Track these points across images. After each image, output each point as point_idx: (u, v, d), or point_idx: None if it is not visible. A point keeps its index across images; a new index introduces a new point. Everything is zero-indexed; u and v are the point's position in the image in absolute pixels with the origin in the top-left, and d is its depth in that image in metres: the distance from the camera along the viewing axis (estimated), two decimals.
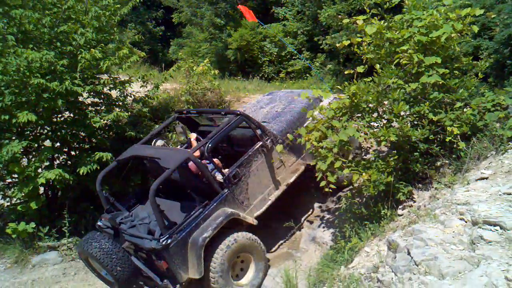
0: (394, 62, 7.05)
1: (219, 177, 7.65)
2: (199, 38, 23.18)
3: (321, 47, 19.63)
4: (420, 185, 6.87)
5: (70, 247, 8.60)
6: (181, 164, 7.16)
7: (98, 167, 8.43)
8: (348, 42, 7.57)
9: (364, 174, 6.66)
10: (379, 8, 7.70)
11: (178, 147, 9.22)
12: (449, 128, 6.39)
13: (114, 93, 9.59)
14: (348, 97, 6.98)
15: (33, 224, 8.32)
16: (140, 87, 10.01)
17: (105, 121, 8.90)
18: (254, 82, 17.95)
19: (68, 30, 8.46)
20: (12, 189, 8.52)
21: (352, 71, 7.59)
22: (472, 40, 14.29)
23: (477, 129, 6.63)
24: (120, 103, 9.58)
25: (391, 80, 6.85)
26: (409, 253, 4.51)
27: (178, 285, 7.04)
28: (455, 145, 6.60)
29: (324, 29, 20.01)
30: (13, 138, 8.19)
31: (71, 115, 8.97)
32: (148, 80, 10.00)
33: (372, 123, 7.08)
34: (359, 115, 7.16)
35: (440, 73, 6.55)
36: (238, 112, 8.01)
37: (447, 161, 6.73)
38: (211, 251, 7.10)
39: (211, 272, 7.09)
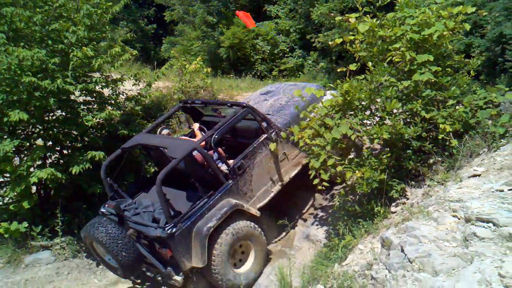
0: (387, 60, 7.07)
1: (223, 168, 7.73)
2: (191, 36, 23.13)
3: (313, 45, 19.65)
4: (413, 183, 6.89)
5: (63, 247, 8.54)
6: (188, 154, 7.23)
7: (91, 166, 8.38)
8: (341, 40, 7.59)
9: (357, 171, 6.67)
10: (372, 6, 7.72)
11: (182, 136, 9.21)
12: (441, 126, 6.42)
13: (106, 92, 9.53)
14: (340, 95, 6.99)
15: (25, 224, 8.27)
16: (133, 85, 9.96)
17: (98, 120, 8.84)
18: (246, 80, 17.93)
19: (59, 28, 8.39)
20: (4, 189, 8.47)
21: (344, 69, 7.60)
22: (464, 38, 14.39)
23: (469, 127, 6.66)
24: (113, 102, 9.52)
25: (383, 78, 6.87)
26: (402, 250, 4.53)
27: (181, 273, 7.09)
28: (447, 143, 6.62)
29: (316, 27, 20.03)
30: (5, 137, 8.12)
31: (63, 113, 8.90)
32: (140, 79, 9.95)
33: (365, 121, 7.10)
34: (352, 113, 7.17)
35: (433, 71, 6.58)
36: (245, 104, 8.08)
37: (439, 159, 6.75)
38: (213, 240, 7.18)
39: (212, 260, 7.18)
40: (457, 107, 6.73)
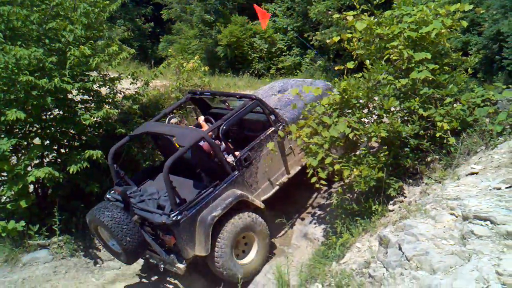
0: (384, 58, 7.07)
1: (230, 159, 7.78)
2: (188, 35, 23.13)
3: (311, 43, 19.66)
4: (410, 181, 6.90)
5: (61, 245, 8.52)
6: (196, 142, 7.30)
7: (88, 165, 8.36)
8: (338, 38, 7.57)
9: (355, 170, 6.67)
10: (369, 4, 7.72)
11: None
12: (439, 124, 6.42)
13: (104, 90, 9.50)
14: (338, 93, 6.99)
15: (23, 223, 8.23)
16: (130, 84, 9.94)
17: (95, 119, 8.81)
18: (244, 79, 17.93)
19: (56, 27, 8.36)
20: (2, 188, 8.42)
21: (342, 67, 7.60)
22: (461, 36, 14.39)
23: (467, 124, 6.66)
24: (110, 100, 9.49)
25: (381, 76, 6.87)
26: (400, 249, 4.53)
27: (183, 261, 7.14)
28: (445, 141, 6.62)
29: (314, 25, 20.04)
30: (2, 136, 8.09)
31: (61, 112, 8.87)
32: (138, 77, 9.94)
33: (362, 119, 7.09)
34: (350, 111, 7.16)
35: (430, 68, 6.57)
36: (254, 97, 8.15)
37: (437, 157, 6.75)
38: (217, 230, 7.24)
39: (215, 251, 7.24)
40: (454, 105, 6.73)
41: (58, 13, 8.62)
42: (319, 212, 8.57)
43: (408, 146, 6.88)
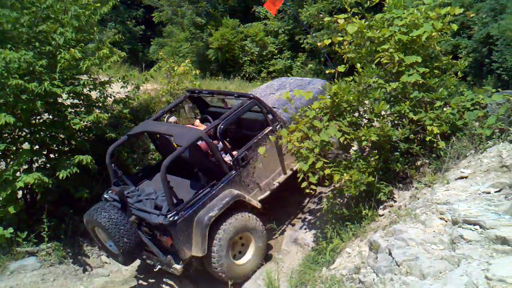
0: (375, 61, 7.08)
1: (227, 158, 7.79)
2: (179, 38, 23.09)
3: (302, 46, 19.68)
4: (400, 185, 6.89)
5: (49, 252, 8.41)
6: (194, 142, 7.29)
7: (78, 171, 8.28)
8: (329, 41, 7.57)
9: (345, 174, 6.65)
10: (360, 7, 7.72)
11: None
12: (429, 128, 6.42)
13: (94, 94, 9.43)
14: (329, 96, 6.98)
15: (11, 229, 8.13)
16: (121, 87, 9.87)
17: (85, 123, 8.74)
18: (235, 82, 17.92)
19: (47, 30, 8.29)
20: None
21: (333, 71, 7.59)
22: (452, 39, 14.45)
23: (456, 128, 6.66)
24: (100, 104, 9.41)
25: (372, 79, 6.86)
26: (390, 254, 4.52)
27: (180, 262, 7.13)
28: (435, 145, 6.62)
29: (305, 28, 20.08)
30: None
31: (50, 116, 8.78)
32: (128, 81, 9.88)
33: (353, 123, 7.08)
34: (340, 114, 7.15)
35: (421, 72, 6.58)
36: (252, 96, 8.17)
37: (427, 161, 6.75)
38: (214, 230, 7.23)
39: (212, 251, 7.24)
40: (444, 108, 6.74)
41: (48, 16, 8.55)
42: (309, 217, 8.55)
43: (398, 150, 6.88)
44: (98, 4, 9.14)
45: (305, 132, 6.94)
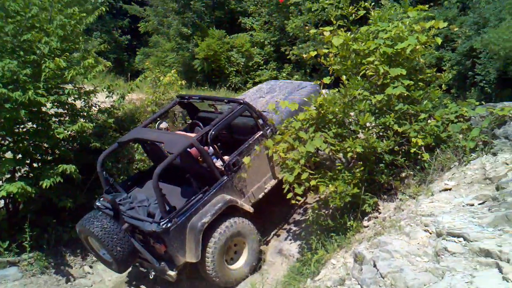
0: (360, 74, 7.12)
1: (218, 163, 7.78)
2: (165, 48, 23.06)
3: (287, 57, 19.76)
4: (385, 196, 6.92)
5: (31, 262, 8.30)
6: (185, 149, 7.29)
7: (62, 180, 8.20)
8: (315, 53, 7.60)
9: (330, 185, 6.66)
10: (346, 20, 7.77)
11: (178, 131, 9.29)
12: (413, 140, 6.47)
13: (79, 104, 9.37)
14: (315, 108, 7.00)
15: None
16: (106, 97, 9.83)
17: (69, 132, 8.68)
18: (221, 92, 17.93)
19: (32, 39, 8.24)
20: None
21: (318, 82, 7.62)
22: (436, 52, 14.60)
23: (441, 140, 6.72)
24: (85, 114, 9.35)
25: (357, 91, 6.89)
26: (375, 265, 4.52)
27: (174, 268, 7.14)
28: (419, 156, 6.66)
29: (291, 40, 20.18)
30: None
31: (34, 126, 8.72)
32: (113, 91, 9.83)
33: (338, 134, 7.10)
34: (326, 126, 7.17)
35: (405, 84, 6.63)
36: (241, 101, 8.17)
37: (411, 172, 6.79)
38: (207, 236, 7.25)
39: (206, 257, 7.26)
40: (429, 121, 6.80)
41: (33, 25, 8.50)
42: (294, 228, 8.53)
43: (383, 161, 6.91)
44: (84, 14, 9.09)
45: (291, 143, 6.95)
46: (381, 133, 7.14)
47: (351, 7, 7.80)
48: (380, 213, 6.69)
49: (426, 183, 6.27)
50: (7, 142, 8.57)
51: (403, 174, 6.92)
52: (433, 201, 5.39)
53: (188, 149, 7.54)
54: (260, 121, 8.24)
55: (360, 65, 7.19)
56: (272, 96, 9.63)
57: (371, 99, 6.86)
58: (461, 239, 4.17)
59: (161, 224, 6.88)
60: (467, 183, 5.50)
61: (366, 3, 7.82)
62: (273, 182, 8.39)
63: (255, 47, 21.30)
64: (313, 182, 6.75)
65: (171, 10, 23.20)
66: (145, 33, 25.62)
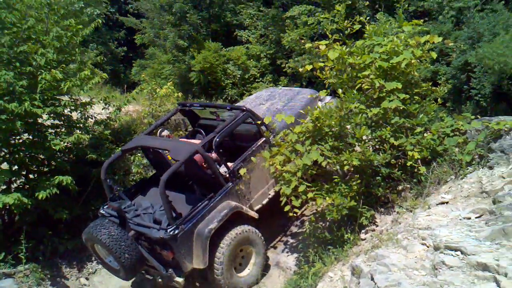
0: (356, 87, 7.15)
1: (222, 170, 7.79)
2: (162, 60, 23.07)
3: (284, 70, 19.84)
4: (382, 209, 6.94)
5: (27, 274, 8.24)
6: (191, 156, 7.31)
7: (58, 191, 8.18)
8: (311, 66, 7.64)
9: (327, 198, 6.68)
10: (341, 34, 7.83)
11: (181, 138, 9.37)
12: (410, 153, 6.51)
13: (75, 115, 9.37)
14: (311, 121, 7.03)
15: None
16: (102, 109, 9.84)
17: (65, 144, 8.66)
18: None
19: (28, 50, 8.25)
20: None
21: (315, 96, 7.66)
22: (431, 66, 14.69)
23: (437, 154, 6.76)
24: (81, 125, 9.34)
25: (353, 104, 6.93)
26: (372, 279, 4.51)
27: (182, 275, 7.15)
28: (416, 170, 6.70)
29: (287, 53, 20.26)
30: None
31: (30, 137, 8.70)
32: (110, 102, 9.84)
33: (335, 147, 7.13)
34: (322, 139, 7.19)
35: (401, 98, 6.67)
36: (244, 108, 8.20)
37: (408, 185, 6.82)
38: (214, 243, 7.28)
39: (215, 264, 7.28)
40: (425, 134, 6.84)
41: (29, 37, 8.52)
42: (291, 240, 8.53)
43: (380, 174, 6.93)
44: (80, 26, 9.12)
45: (287, 156, 6.96)
46: (377, 146, 7.16)
47: (346, 22, 7.87)
48: (377, 226, 6.70)
49: (423, 196, 6.30)
50: (3, 153, 8.54)
51: (400, 187, 6.95)
52: (430, 214, 5.40)
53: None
54: (263, 127, 8.27)
55: (356, 78, 7.23)
56: (272, 103, 9.69)
57: (367, 112, 6.89)
58: (458, 252, 4.18)
59: (168, 230, 6.88)
60: (463, 197, 5.52)
61: (361, 18, 7.89)
62: (276, 188, 8.38)
63: (251, 60, 21.35)
64: (310, 195, 6.77)
65: (167, 22, 23.23)
66: (141, 45, 25.63)
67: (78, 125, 9.31)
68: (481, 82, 15.41)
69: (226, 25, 23.95)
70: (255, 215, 7.94)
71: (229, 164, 7.92)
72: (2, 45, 8.13)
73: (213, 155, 7.86)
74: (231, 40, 23.03)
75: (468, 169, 6.16)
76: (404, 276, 4.25)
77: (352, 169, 6.94)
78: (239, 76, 21.01)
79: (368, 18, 8.48)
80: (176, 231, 6.92)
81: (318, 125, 6.99)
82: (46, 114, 8.56)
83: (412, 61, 6.92)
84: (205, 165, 7.76)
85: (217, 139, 7.64)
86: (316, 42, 7.79)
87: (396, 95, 6.71)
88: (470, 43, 15.98)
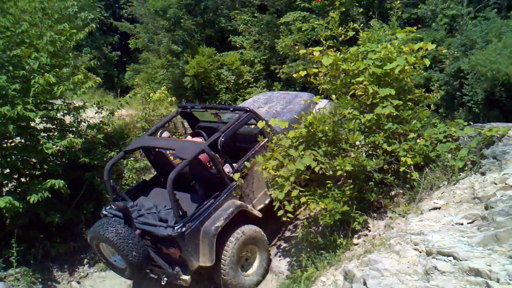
0: (350, 93, 7.17)
1: (227, 169, 7.83)
2: (155, 64, 23.11)
3: (277, 75, 19.91)
4: (375, 214, 6.95)
5: (18, 278, 8.21)
6: (198, 154, 7.37)
7: (50, 195, 8.15)
8: (305, 72, 7.66)
9: (320, 203, 6.69)
10: (335, 40, 7.87)
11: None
12: (402, 159, 6.53)
13: (68, 119, 9.35)
14: (304, 126, 7.04)
15: None
16: (95, 113, 9.82)
17: (58, 147, 8.64)
18: None
19: (21, 54, 8.24)
20: None
21: (308, 101, 7.68)
22: (424, 72, 14.79)
23: (429, 160, 6.78)
24: (74, 129, 9.33)
25: (346, 110, 6.95)
26: (365, 284, 4.52)
27: (188, 273, 7.15)
28: (408, 175, 6.73)
29: (281, 58, 20.33)
30: None
31: (22, 140, 8.68)
32: (103, 106, 9.83)
33: (328, 153, 7.14)
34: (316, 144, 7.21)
35: (394, 104, 6.70)
36: (248, 109, 8.26)
37: (401, 191, 6.84)
38: (220, 242, 7.31)
39: (222, 264, 7.32)
40: (418, 140, 6.86)
41: (23, 41, 8.51)
42: (284, 245, 8.52)
43: (373, 180, 6.95)
44: (74, 31, 9.11)
45: (281, 161, 6.98)
46: (370, 152, 7.18)
47: (340, 28, 7.91)
48: (370, 231, 6.71)
49: (415, 201, 6.32)
50: None
51: (393, 193, 6.97)
52: (422, 219, 5.42)
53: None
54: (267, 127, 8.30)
55: (350, 84, 7.26)
56: (271, 106, 9.75)
57: (360, 118, 6.91)
58: (450, 258, 4.19)
59: (176, 228, 6.90)
60: (456, 202, 5.54)
61: (355, 24, 7.93)
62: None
63: (245, 65, 21.42)
64: (303, 200, 6.78)
65: (161, 27, 23.30)
66: (135, 49, 25.69)
67: (71, 129, 9.30)
68: (474, 89, 15.55)
69: (220, 30, 24.04)
70: (259, 214, 8.00)
71: (233, 164, 7.98)
72: None
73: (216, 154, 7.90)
74: (225, 45, 23.11)
75: (460, 175, 6.19)
76: (397, 281, 4.25)
77: (345, 174, 6.96)
78: (233, 81, 21.09)
79: (362, 25, 8.55)
80: (184, 229, 6.94)
81: (312, 130, 7.00)
82: (39, 118, 8.54)
83: (406, 67, 6.96)
84: (209, 164, 7.83)
85: (222, 139, 7.70)
86: (310, 48, 7.80)
87: (389, 101, 6.74)
88: (463, 50, 16.12)
